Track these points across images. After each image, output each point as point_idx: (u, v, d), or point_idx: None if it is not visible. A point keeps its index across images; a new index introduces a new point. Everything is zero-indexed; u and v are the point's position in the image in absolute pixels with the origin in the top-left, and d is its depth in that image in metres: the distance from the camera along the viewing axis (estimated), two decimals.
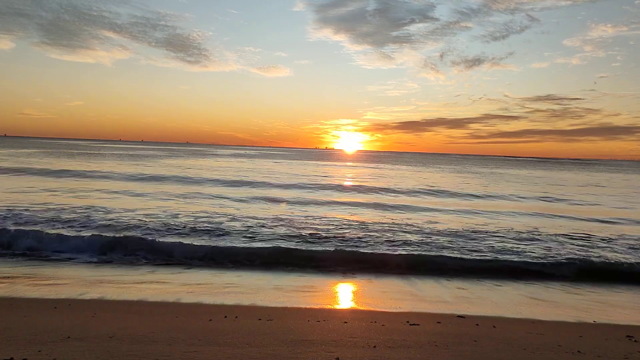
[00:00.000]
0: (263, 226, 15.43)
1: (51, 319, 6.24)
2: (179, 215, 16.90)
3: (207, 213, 17.88)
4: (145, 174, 35.84)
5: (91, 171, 36.48)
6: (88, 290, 8.61)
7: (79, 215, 15.94)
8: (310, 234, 14.39)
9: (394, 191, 31.65)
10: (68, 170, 35.51)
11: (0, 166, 36.98)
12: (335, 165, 78.13)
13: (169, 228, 14.44)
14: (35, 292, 8.34)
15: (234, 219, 16.68)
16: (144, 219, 15.66)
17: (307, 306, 8.16)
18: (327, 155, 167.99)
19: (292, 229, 15.00)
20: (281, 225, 15.76)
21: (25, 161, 45.35)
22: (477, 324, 7.10)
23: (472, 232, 16.00)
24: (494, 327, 6.98)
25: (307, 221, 17.05)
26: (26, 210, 16.46)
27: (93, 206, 18.06)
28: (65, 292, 8.38)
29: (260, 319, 6.76)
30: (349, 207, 22.56)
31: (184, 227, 14.67)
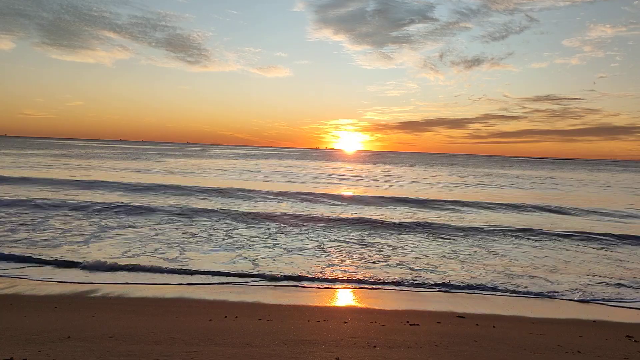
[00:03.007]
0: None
1: (51, 319, 6.24)
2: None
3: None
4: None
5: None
6: (88, 290, 8.62)
7: None
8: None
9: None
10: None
11: None
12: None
13: None
14: (35, 292, 8.35)
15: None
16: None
17: (307, 306, 8.16)
18: (338, 156, 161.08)
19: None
20: None
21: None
22: (477, 324, 7.10)
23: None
24: (494, 327, 6.97)
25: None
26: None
27: None
28: (65, 292, 8.39)
29: (260, 319, 6.76)
30: None
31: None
